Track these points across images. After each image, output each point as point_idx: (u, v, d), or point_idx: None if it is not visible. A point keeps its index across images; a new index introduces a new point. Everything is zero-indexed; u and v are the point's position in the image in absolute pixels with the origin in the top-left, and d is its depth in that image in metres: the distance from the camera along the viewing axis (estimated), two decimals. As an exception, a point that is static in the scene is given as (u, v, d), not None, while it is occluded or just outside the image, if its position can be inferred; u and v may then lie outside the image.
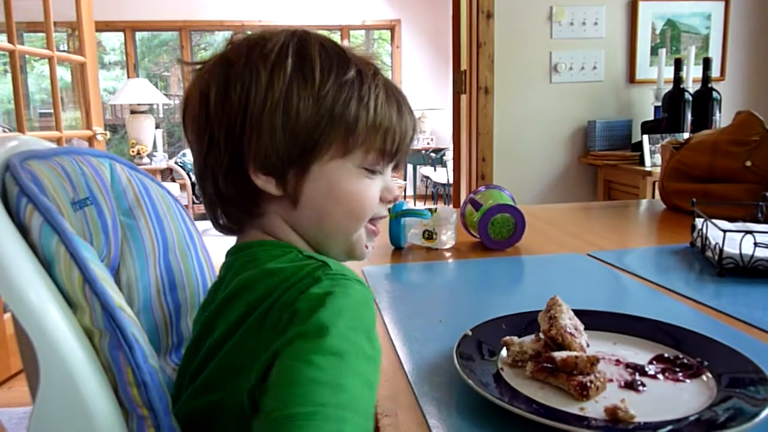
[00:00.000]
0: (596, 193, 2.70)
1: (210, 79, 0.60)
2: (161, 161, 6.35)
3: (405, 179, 7.11)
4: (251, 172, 0.59)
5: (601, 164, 2.65)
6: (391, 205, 0.69)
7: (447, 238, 1.21)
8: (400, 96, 0.65)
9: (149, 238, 0.83)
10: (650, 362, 0.64)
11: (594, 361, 0.58)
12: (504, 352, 0.65)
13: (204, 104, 0.59)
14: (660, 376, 0.61)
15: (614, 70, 2.67)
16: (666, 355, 0.64)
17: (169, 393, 0.58)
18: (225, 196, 0.61)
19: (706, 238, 1.05)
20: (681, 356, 0.64)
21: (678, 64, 2.48)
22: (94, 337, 0.52)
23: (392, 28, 7.30)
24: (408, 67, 7.20)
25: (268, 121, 0.57)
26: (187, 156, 6.45)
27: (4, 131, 5.30)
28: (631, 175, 2.48)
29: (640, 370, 0.62)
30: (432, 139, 7.12)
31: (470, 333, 0.68)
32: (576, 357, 0.58)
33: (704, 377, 0.60)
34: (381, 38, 7.88)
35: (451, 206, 1.24)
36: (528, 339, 0.66)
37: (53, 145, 0.74)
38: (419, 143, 6.94)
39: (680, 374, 0.61)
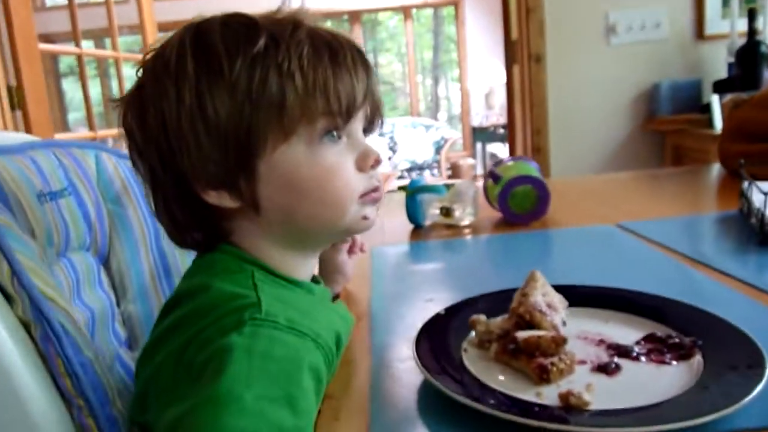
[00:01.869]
0: (663, 161, 2.51)
1: (128, 111, 0.54)
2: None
3: (474, 157, 6.97)
4: (200, 192, 0.52)
5: (668, 130, 2.45)
6: (376, 170, 0.57)
7: (465, 213, 1.15)
8: (336, 43, 0.53)
9: (138, 225, 0.83)
10: (638, 342, 0.57)
11: (559, 341, 0.52)
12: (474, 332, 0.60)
13: (132, 138, 0.54)
14: (643, 357, 0.54)
15: (679, 26, 2.45)
16: (658, 334, 0.57)
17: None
18: (186, 226, 0.55)
19: (750, 202, 0.93)
20: (674, 335, 0.56)
21: (752, 15, 2.24)
22: (31, 328, 0.53)
23: (456, 4, 7.11)
24: (473, 44, 7.01)
25: (189, 133, 0.50)
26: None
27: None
28: (701, 139, 2.28)
29: (623, 351, 0.55)
30: (501, 115, 6.91)
31: (443, 312, 0.64)
32: (539, 337, 0.52)
33: (694, 360, 0.52)
34: (448, 15, 7.71)
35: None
36: (500, 318, 0.60)
37: (34, 140, 0.76)
38: (487, 120, 6.76)
39: (668, 356, 0.53)
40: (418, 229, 1.18)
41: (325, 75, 0.51)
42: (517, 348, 0.53)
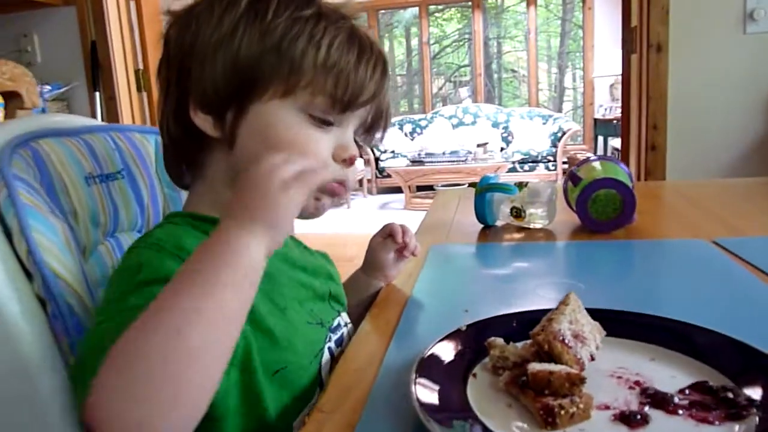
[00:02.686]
0: (805, 167, 2.19)
1: (174, 23, 0.60)
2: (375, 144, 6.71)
3: (595, 152, 6.57)
4: (191, 110, 0.57)
5: (814, 131, 2.13)
6: (349, 168, 0.61)
7: (538, 215, 1.06)
8: (369, 45, 0.59)
9: (191, 208, 0.85)
10: (682, 390, 0.48)
11: (575, 380, 0.45)
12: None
13: (165, 48, 0.60)
14: (682, 411, 0.45)
15: (839, 11, 2.11)
16: (710, 384, 0.48)
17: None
18: (174, 141, 0.61)
19: None
20: (730, 388, 0.47)
21: None
22: (48, 306, 0.55)
23: (584, -12, 6.71)
24: (600, 32, 6.58)
25: (211, 56, 0.55)
26: (371, 132, 6.72)
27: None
28: None
29: (659, 399, 0.46)
30: (627, 108, 6.46)
31: (464, 328, 0.58)
32: (551, 372, 0.46)
33: (742, 424, 0.43)
34: (578, 1, 7.29)
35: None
36: (522, 344, 0.53)
37: (94, 124, 0.79)
38: (610, 112, 6.33)
39: (714, 413, 0.44)
40: (488, 230, 1.11)
41: (345, 61, 0.57)
42: (527, 382, 0.47)
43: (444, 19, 8.28)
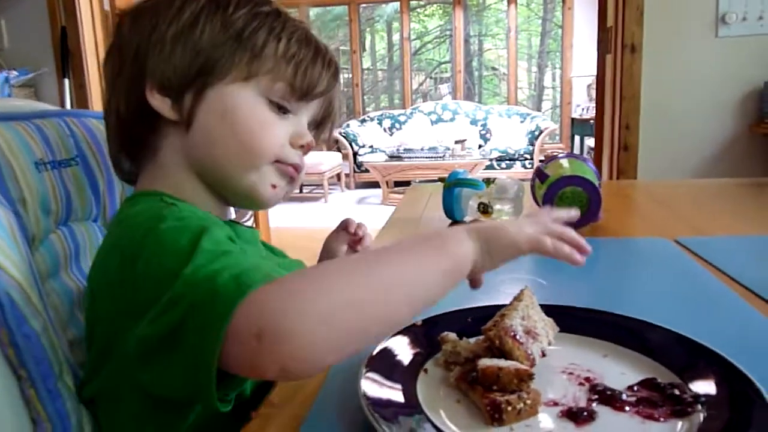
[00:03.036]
0: (772, 169, 2.23)
1: (128, 14, 0.62)
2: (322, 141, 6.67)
3: (572, 151, 6.63)
4: (147, 91, 0.58)
5: (781, 134, 2.18)
6: (303, 155, 0.64)
7: (505, 212, 1.06)
8: (323, 47, 0.63)
9: (150, 198, 0.83)
10: (631, 387, 0.48)
11: (524, 376, 0.45)
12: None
13: (117, 36, 0.61)
14: (629, 408, 0.45)
15: (807, 17, 2.15)
16: (658, 380, 0.48)
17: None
18: (123, 121, 0.61)
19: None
20: (677, 384, 0.47)
21: None
22: (-14, 297, 0.53)
23: (564, -13, 6.75)
24: (579, 32, 6.63)
25: (171, 39, 0.57)
26: (350, 127, 6.70)
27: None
28: (820, 147, 2.00)
29: (607, 396, 0.46)
30: (604, 108, 6.53)
31: (420, 323, 0.58)
32: (500, 368, 0.45)
33: (686, 420, 0.43)
34: (559, 1, 7.34)
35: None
36: (475, 340, 0.53)
37: (48, 109, 0.77)
38: (587, 112, 6.39)
39: (659, 410, 0.44)
40: (455, 225, 1.10)
41: (303, 54, 0.61)
42: (476, 378, 0.46)
43: (426, 15, 8.28)
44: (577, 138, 6.48)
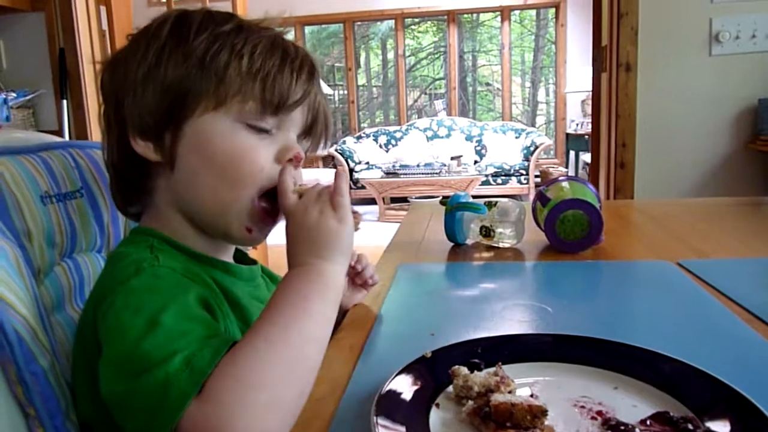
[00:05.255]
0: (768, 186, 2.24)
1: (107, 67, 0.63)
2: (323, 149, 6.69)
3: (566, 166, 6.67)
4: (131, 139, 0.59)
5: (776, 151, 2.19)
6: (296, 170, 0.61)
7: (507, 235, 1.06)
8: (292, 48, 0.61)
9: (153, 227, 0.83)
10: (644, 421, 0.48)
11: (537, 412, 0.45)
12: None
13: (103, 89, 0.63)
14: (642, 443, 0.45)
15: (799, 36, 2.18)
16: (671, 414, 0.48)
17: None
18: (119, 171, 0.63)
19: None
20: (690, 419, 0.47)
21: None
22: (-8, 333, 0.52)
23: (557, 6, 6.83)
24: (572, 48, 6.70)
25: (141, 85, 0.57)
26: (347, 143, 6.72)
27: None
28: (815, 164, 2.01)
29: (621, 430, 0.46)
30: (598, 124, 6.58)
31: (429, 354, 0.57)
32: (512, 404, 0.45)
33: (702, 455, 0.43)
34: (552, 17, 7.42)
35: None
36: (487, 373, 0.53)
37: (53, 140, 0.77)
38: (582, 127, 6.44)
39: (673, 445, 0.44)
40: (458, 248, 1.11)
41: (269, 66, 0.58)
42: (489, 413, 0.46)
43: (420, 32, 8.35)
44: (572, 153, 6.52)
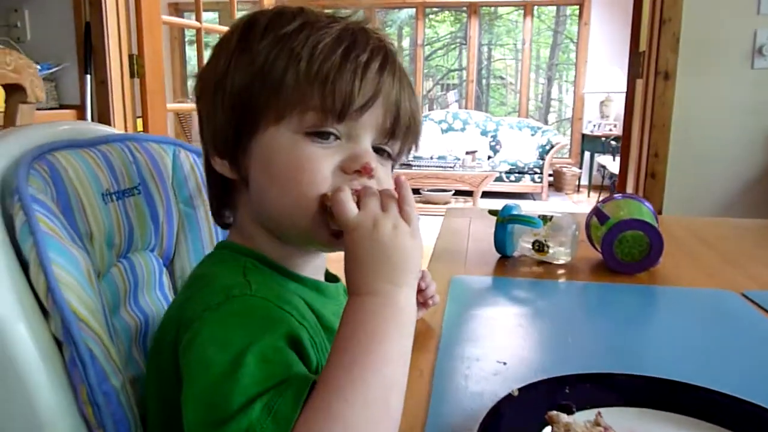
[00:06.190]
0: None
1: (196, 76, 0.62)
2: (414, 151, 6.66)
3: (581, 167, 6.62)
4: (211, 158, 0.57)
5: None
6: (368, 179, 0.53)
7: (562, 252, 1.03)
8: (361, 42, 0.52)
9: (207, 228, 0.79)
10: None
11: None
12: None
13: (197, 103, 0.60)
14: None
15: None
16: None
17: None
18: (212, 186, 0.62)
19: None
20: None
21: None
22: (64, 348, 0.49)
23: (581, 4, 6.74)
24: (594, 48, 6.62)
25: (212, 98, 0.55)
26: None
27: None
28: None
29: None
30: (615, 126, 6.50)
31: (516, 393, 0.54)
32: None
33: None
34: (572, 15, 7.33)
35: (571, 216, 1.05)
36: (586, 422, 0.50)
37: (110, 133, 0.73)
38: (599, 129, 6.37)
39: None
40: (505, 260, 1.07)
41: (327, 67, 0.51)
42: (602, 472, 0.43)
43: (437, 21, 8.26)
44: (587, 154, 6.47)
